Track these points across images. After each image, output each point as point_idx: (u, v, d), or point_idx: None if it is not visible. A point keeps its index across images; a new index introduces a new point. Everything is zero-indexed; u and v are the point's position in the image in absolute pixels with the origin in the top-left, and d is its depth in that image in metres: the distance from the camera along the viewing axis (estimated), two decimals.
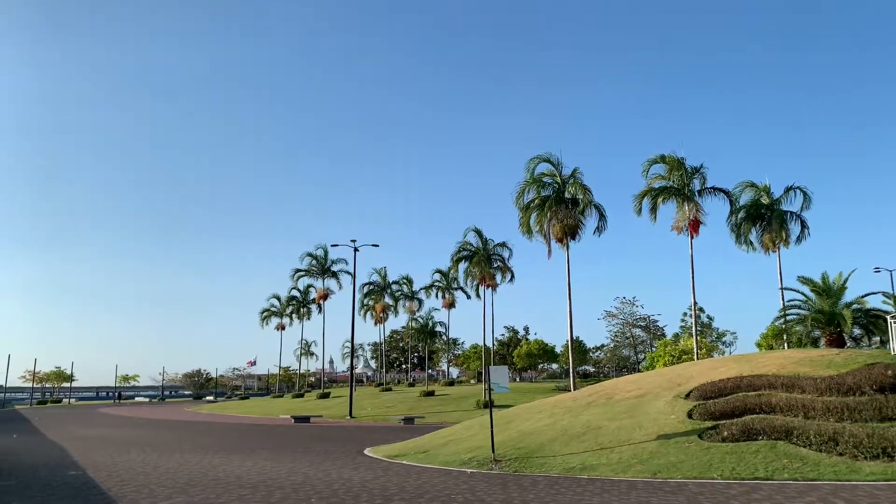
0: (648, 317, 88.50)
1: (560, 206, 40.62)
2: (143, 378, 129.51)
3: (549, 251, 41.55)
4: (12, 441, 28.30)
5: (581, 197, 41.36)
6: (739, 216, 43.72)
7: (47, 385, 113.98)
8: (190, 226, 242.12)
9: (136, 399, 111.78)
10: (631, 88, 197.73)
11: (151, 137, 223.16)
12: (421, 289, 78.96)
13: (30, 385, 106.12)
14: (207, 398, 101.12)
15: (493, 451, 16.11)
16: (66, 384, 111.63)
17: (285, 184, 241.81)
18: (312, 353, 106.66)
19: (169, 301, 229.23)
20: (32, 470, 17.09)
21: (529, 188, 41.87)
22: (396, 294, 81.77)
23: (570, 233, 40.77)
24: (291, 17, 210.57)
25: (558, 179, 41.75)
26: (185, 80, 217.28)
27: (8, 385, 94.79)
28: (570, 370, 42.79)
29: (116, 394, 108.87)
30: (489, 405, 17.85)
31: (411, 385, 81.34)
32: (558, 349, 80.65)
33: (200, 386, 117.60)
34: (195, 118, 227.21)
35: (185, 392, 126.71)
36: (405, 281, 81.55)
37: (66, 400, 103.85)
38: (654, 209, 39.68)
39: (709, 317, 79.93)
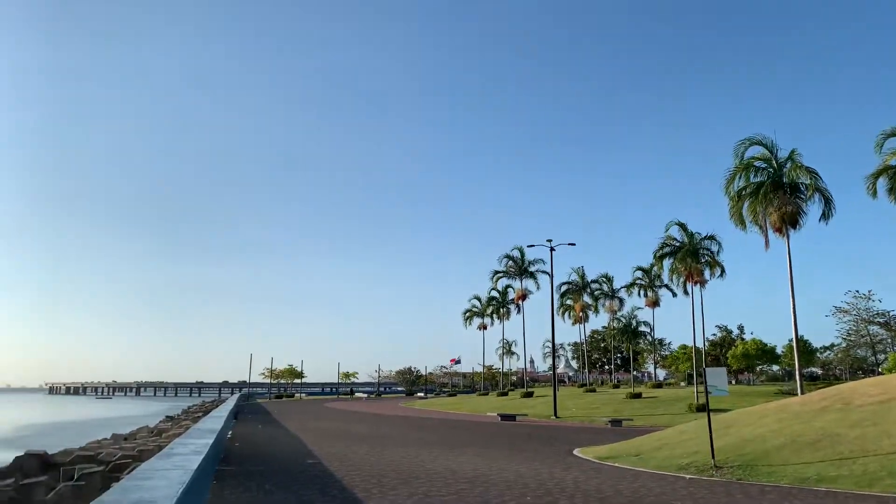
0: (888, 312, 77.86)
1: (777, 192, 37.19)
2: (362, 375, 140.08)
3: (767, 242, 38.19)
4: (258, 431, 32.00)
5: (803, 181, 37.52)
6: None
7: (282, 381, 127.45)
8: (400, 233, 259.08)
9: (357, 395, 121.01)
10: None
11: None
12: (621, 287, 76.68)
13: (267, 381, 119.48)
14: (418, 394, 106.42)
15: (714, 457, 15.19)
16: (297, 380, 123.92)
17: (487, 186, 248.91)
18: (513, 353, 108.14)
19: (385, 302, 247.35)
20: (277, 457, 19.23)
21: (740, 174, 38.79)
22: (596, 293, 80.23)
23: (789, 221, 37.13)
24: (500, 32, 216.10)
25: (773, 163, 38.24)
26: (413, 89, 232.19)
27: (251, 381, 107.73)
28: (796, 372, 38.94)
29: (349, 390, 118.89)
30: (706, 409, 16.87)
31: (616, 386, 79.25)
32: (779, 349, 73.91)
33: (412, 383, 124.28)
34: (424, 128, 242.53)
35: (399, 388, 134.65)
36: (605, 279, 79.76)
37: (298, 395, 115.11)
38: (893, 189, 34.86)
39: None
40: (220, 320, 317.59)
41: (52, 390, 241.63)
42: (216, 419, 22.77)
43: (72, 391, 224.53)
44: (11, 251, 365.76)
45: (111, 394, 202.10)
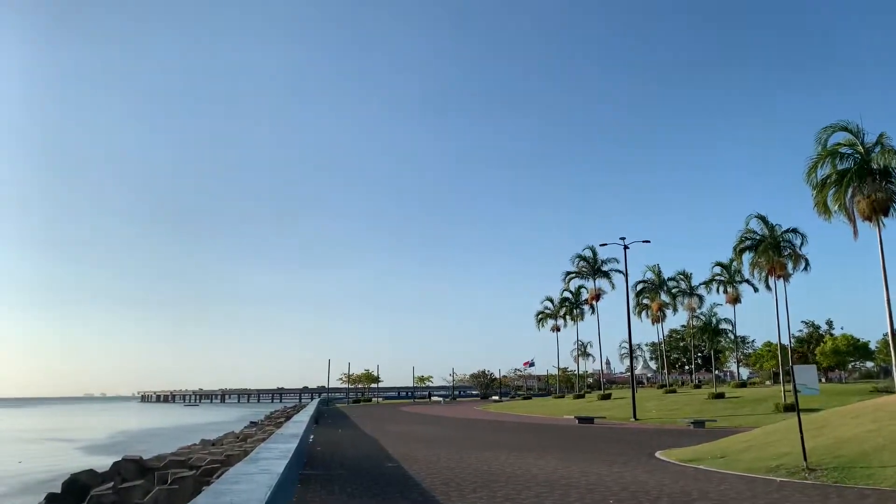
0: None
1: (865, 179, 35.26)
2: (436, 379, 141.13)
3: (855, 231, 36.18)
4: (338, 436, 32.66)
5: (895, 165, 35.43)
6: None
7: (359, 386, 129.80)
8: (469, 234, 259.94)
9: (432, 398, 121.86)
10: None
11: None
12: (700, 284, 74.23)
13: (345, 386, 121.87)
14: (493, 398, 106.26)
15: (805, 459, 14.52)
16: (374, 385, 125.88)
17: (559, 186, 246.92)
18: (588, 354, 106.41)
19: (456, 306, 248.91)
20: (357, 461, 19.58)
21: (823, 162, 36.97)
22: (673, 291, 78.01)
23: (880, 208, 35.08)
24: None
25: (860, 149, 36.26)
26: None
27: (329, 386, 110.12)
28: (893, 368, 36.74)
29: (426, 393, 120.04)
30: (796, 408, 16.14)
31: (697, 386, 76.83)
32: (872, 345, 70.01)
33: (486, 386, 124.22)
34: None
35: (473, 391, 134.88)
36: (682, 276, 77.45)
37: (374, 399, 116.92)
38: None
39: None
40: (298, 327, 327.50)
41: (144, 398, 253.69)
42: (298, 424, 23.39)
43: (162, 399, 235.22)
44: (112, 266, 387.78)
45: (198, 401, 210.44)
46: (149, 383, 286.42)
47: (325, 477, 15.25)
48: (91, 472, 21.49)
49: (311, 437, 27.40)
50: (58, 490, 19.81)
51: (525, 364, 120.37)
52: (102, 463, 28.88)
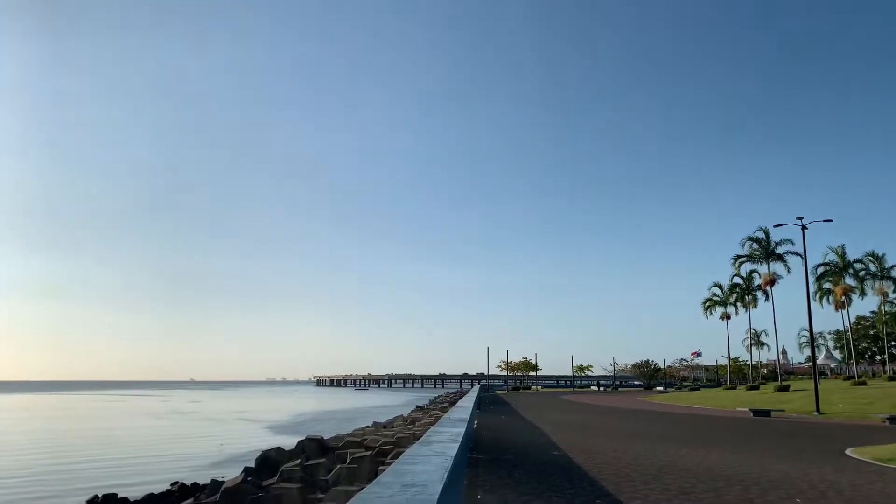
0: None
1: None
2: (596, 368, 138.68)
3: None
4: (501, 422, 33.17)
5: None
6: None
7: (517, 373, 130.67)
8: (626, 221, 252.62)
9: (591, 388, 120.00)
10: None
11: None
12: (893, 266, 66.85)
13: (503, 373, 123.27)
14: (657, 388, 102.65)
15: None
16: (532, 373, 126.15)
17: (721, 168, 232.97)
18: (762, 343, 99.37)
19: (616, 294, 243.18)
20: (523, 447, 19.80)
21: None
22: (861, 274, 70.77)
23: None
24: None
25: None
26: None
27: (489, 373, 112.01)
28: None
29: (587, 383, 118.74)
30: None
31: (891, 378, 69.14)
32: None
33: (649, 376, 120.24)
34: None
35: (635, 382, 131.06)
36: (871, 258, 70.07)
37: (533, 387, 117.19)
38: None
39: None
40: (458, 315, 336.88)
41: (319, 383, 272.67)
42: (463, 409, 24.07)
43: (335, 383, 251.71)
44: (310, 261, 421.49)
45: (367, 385, 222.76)
46: (323, 369, 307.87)
47: (491, 461, 15.61)
48: (279, 449, 23.56)
49: (475, 422, 28.07)
50: (252, 465, 21.91)
51: (692, 354, 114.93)
52: (287, 442, 31.56)
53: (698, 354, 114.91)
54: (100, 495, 21.97)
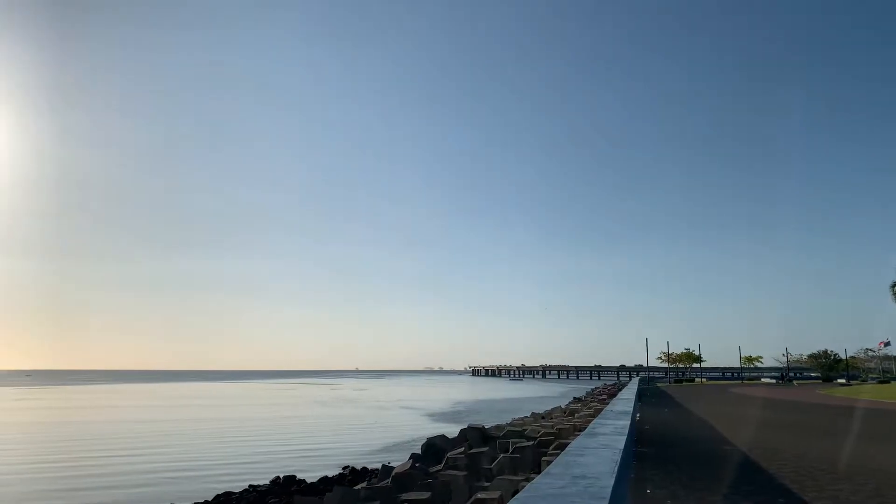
0: None
1: None
2: (766, 359, 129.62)
3: None
4: (664, 415, 32.01)
5: None
6: None
7: (679, 365, 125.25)
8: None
9: (762, 380, 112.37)
10: None
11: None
12: None
13: (663, 365, 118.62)
14: (838, 380, 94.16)
15: None
16: (696, 364, 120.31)
17: None
18: None
19: (790, 282, 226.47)
20: (690, 442, 19.04)
21: None
22: None
23: None
24: None
25: None
26: None
27: (648, 365, 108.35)
28: None
29: (758, 375, 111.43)
30: None
31: None
32: None
33: (828, 367, 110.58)
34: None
35: (811, 374, 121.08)
36: None
37: (697, 379, 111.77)
38: None
39: None
40: (617, 306, 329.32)
41: (475, 373, 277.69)
42: (625, 402, 23.60)
43: (489, 373, 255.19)
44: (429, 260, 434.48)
45: (521, 376, 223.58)
46: (478, 359, 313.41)
47: (657, 455, 15.17)
48: (443, 437, 24.39)
49: (637, 415, 27.35)
50: (418, 451, 22.87)
51: (880, 344, 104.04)
52: (448, 430, 32.61)
53: (887, 344, 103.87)
54: (281, 476, 24.23)
